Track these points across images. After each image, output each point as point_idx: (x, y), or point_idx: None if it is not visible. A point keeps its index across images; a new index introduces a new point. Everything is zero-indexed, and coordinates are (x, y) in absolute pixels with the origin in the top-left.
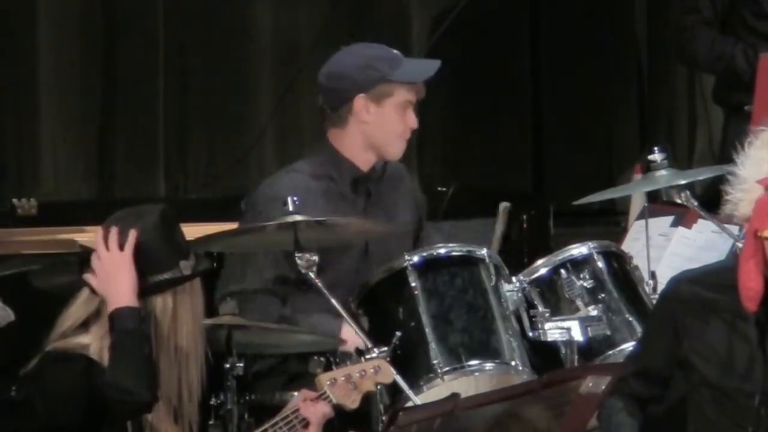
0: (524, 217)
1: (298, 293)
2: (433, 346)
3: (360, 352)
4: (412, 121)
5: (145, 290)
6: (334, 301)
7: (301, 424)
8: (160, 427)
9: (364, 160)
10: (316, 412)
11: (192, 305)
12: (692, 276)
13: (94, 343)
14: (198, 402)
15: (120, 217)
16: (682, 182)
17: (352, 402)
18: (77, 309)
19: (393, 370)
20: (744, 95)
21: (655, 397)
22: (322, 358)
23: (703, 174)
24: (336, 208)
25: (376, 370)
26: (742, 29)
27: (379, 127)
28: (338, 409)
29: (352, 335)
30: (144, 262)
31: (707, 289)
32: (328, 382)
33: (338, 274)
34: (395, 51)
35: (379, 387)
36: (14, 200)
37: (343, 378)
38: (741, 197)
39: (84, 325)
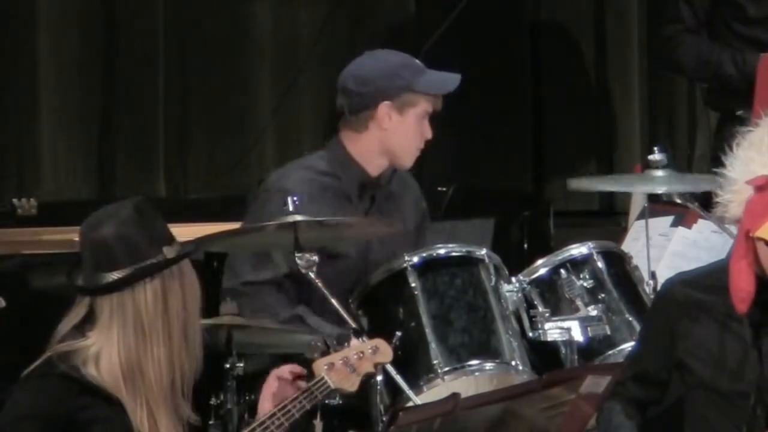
0: (524, 217)
1: (304, 293)
2: (433, 346)
3: (357, 333)
4: (428, 131)
5: (130, 278)
6: (334, 302)
7: (323, 393)
8: (157, 418)
9: (374, 166)
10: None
11: (182, 290)
12: (686, 278)
13: (96, 343)
14: (190, 396)
15: (94, 217)
16: (680, 189)
17: (351, 385)
18: (73, 313)
19: (390, 349)
20: (735, 100)
21: (653, 400)
22: (319, 343)
23: (703, 183)
24: (341, 207)
25: (374, 350)
26: (728, 35)
27: (397, 135)
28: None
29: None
30: (125, 253)
31: (701, 291)
32: (325, 367)
33: (336, 278)
34: (417, 61)
35: (378, 381)
36: (14, 200)
37: (340, 362)
38: (731, 198)
39: (80, 327)
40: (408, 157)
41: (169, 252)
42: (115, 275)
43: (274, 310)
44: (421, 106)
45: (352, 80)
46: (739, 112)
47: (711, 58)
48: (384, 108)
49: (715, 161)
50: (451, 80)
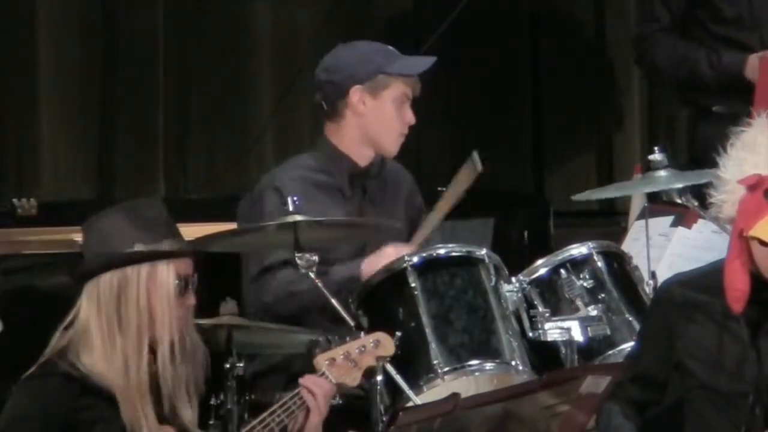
0: (524, 216)
1: None
2: (433, 346)
3: (359, 327)
4: (410, 117)
5: (95, 267)
6: (334, 301)
7: (300, 409)
8: (143, 414)
9: (361, 156)
10: (320, 389)
11: (147, 292)
12: (683, 279)
13: (80, 330)
14: (184, 399)
15: (117, 207)
16: (680, 186)
17: (353, 380)
18: (72, 311)
19: (393, 342)
20: (710, 98)
21: (652, 402)
22: (320, 338)
23: (703, 177)
24: (333, 201)
25: (376, 343)
26: (703, 34)
27: (375, 120)
28: (339, 409)
29: (374, 261)
30: (96, 244)
31: (698, 292)
32: (326, 362)
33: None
34: (391, 47)
35: (378, 381)
36: (14, 200)
37: (342, 356)
38: (724, 199)
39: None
40: (390, 144)
41: (168, 245)
42: (85, 265)
43: (295, 283)
44: (397, 88)
45: (324, 71)
46: (715, 108)
47: (686, 56)
48: (356, 92)
49: (692, 159)
50: (423, 62)
